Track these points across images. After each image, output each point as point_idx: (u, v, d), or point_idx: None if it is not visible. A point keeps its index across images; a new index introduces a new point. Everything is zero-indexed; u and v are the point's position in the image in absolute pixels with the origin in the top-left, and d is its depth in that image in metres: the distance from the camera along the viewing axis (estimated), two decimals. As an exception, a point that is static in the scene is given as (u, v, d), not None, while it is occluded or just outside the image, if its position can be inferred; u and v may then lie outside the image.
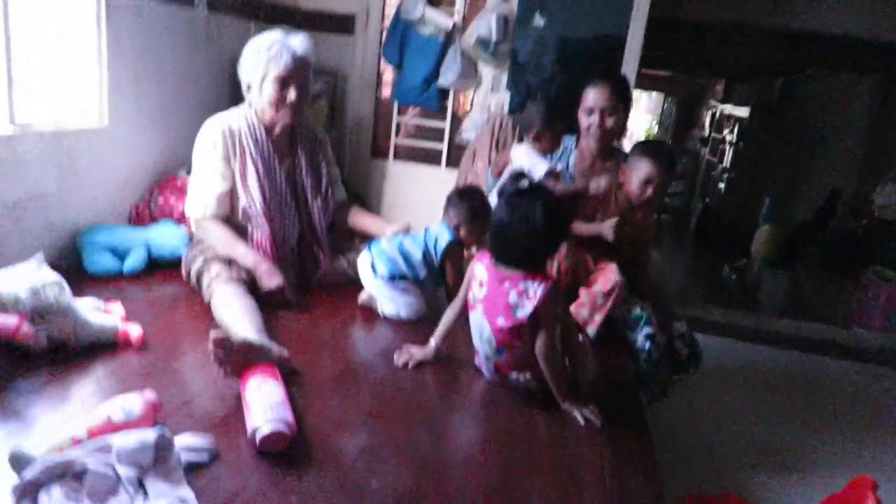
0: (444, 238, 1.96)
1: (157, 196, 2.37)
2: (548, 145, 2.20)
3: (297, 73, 1.97)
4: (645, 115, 13.21)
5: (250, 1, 3.04)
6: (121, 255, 2.07)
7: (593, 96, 2.23)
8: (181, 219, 2.30)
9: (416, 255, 1.96)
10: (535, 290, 1.48)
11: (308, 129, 2.19)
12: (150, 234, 2.16)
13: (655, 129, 12.68)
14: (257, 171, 1.99)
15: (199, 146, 2.01)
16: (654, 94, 12.31)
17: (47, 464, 1.02)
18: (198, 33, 2.69)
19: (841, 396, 3.18)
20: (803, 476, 2.32)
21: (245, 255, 1.93)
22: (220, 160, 1.98)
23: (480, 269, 1.58)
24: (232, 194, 2.01)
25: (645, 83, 10.45)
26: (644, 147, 2.19)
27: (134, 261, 2.05)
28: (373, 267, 1.97)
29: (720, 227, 7.91)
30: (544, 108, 2.17)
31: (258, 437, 1.20)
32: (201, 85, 2.78)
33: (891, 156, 5.44)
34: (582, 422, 1.50)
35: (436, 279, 2.00)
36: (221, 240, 1.96)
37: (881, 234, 4.97)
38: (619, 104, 2.26)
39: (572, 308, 2.02)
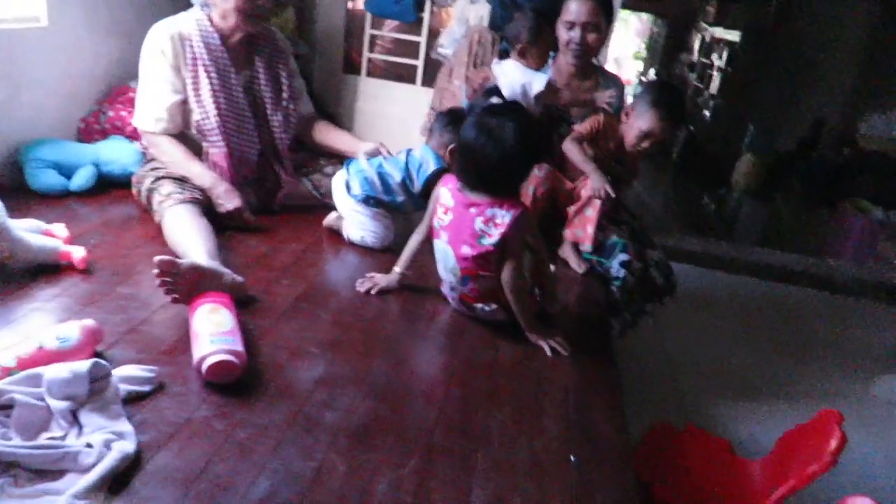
0: (429, 164, 1.81)
1: (107, 109, 2.21)
2: (535, 61, 2.04)
3: None
4: (634, 38, 12.79)
5: None
6: (67, 172, 1.93)
7: (575, 9, 2.08)
8: (134, 134, 2.15)
9: (396, 178, 1.83)
10: (504, 217, 1.40)
11: (268, 38, 2.01)
12: (99, 150, 2.02)
13: (644, 52, 12.32)
14: (211, 82, 1.84)
15: (145, 53, 1.84)
16: (645, 15, 11.87)
17: (-32, 396, 0.95)
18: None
19: (811, 327, 3.21)
20: (770, 406, 2.34)
21: (201, 174, 1.81)
22: (170, 69, 1.82)
23: (446, 194, 1.48)
24: (185, 107, 1.86)
25: (635, 2, 10.05)
26: (656, 95, 1.91)
27: (81, 179, 1.92)
28: (347, 186, 1.86)
29: (703, 155, 7.82)
30: (532, 19, 2.00)
31: (204, 366, 1.14)
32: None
33: (880, 84, 5.34)
34: (549, 352, 1.46)
35: (416, 204, 1.87)
36: (175, 157, 1.83)
37: (862, 164, 4.94)
38: (602, 20, 2.11)
39: (567, 232, 1.96)
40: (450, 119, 1.81)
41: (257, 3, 1.81)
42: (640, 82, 10.66)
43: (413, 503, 0.98)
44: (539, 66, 2.04)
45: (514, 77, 1.97)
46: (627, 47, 12.65)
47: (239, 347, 1.18)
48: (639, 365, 2.43)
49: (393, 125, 3.41)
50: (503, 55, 2.25)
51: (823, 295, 3.69)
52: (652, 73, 10.82)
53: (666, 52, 11.38)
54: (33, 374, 1.03)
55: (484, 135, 1.39)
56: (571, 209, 1.93)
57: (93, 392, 1.03)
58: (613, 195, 1.83)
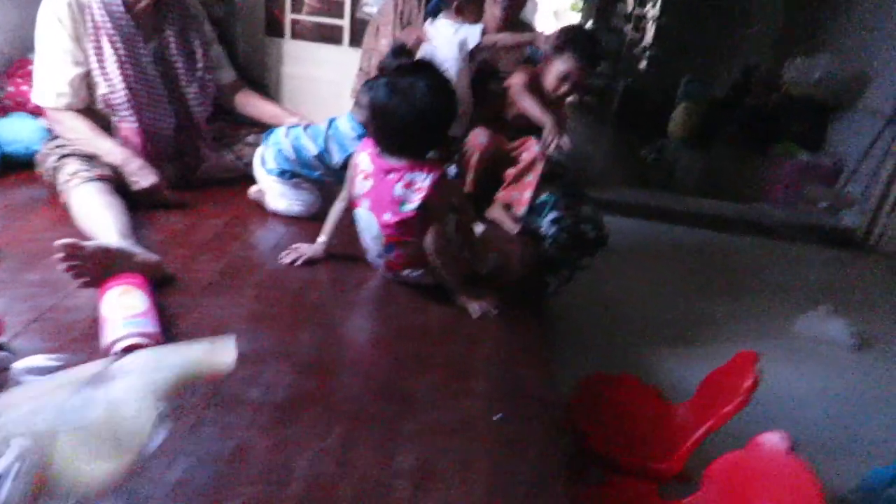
0: (350, 136, 1.74)
1: (5, 84, 2.07)
2: (472, 16, 2.00)
3: None
4: (571, -11, 12.73)
5: None
6: (-35, 153, 1.81)
7: None
8: (37, 110, 2.02)
9: (312, 151, 1.76)
10: (423, 181, 1.38)
11: (178, 2, 1.89)
12: (1, 130, 1.89)
13: (581, 4, 12.28)
14: (117, 53, 1.73)
15: (41, 23, 1.71)
16: (580, -34, 11.80)
17: None
18: None
19: (742, 271, 3.33)
20: (698, 350, 2.43)
21: (111, 151, 1.72)
22: (69, 39, 1.69)
23: (365, 160, 1.45)
24: (88, 80, 1.75)
25: (570, -46, 9.97)
26: (568, 38, 1.95)
27: (-19, 161, 1.81)
28: (263, 159, 1.80)
29: (641, 107, 7.92)
30: None
31: (113, 351, 1.10)
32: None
33: (806, 28, 5.47)
34: (476, 314, 1.47)
35: (336, 176, 1.79)
36: (81, 133, 1.73)
37: (789, 109, 5.08)
38: None
39: (501, 194, 1.96)
40: (369, 87, 1.75)
41: None
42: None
43: (336, 473, 0.98)
44: (476, 20, 2.01)
45: (448, 34, 1.94)
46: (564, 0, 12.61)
47: (151, 329, 1.15)
48: (577, 317, 2.48)
49: (322, 89, 3.32)
50: (434, 13, 2.20)
51: (756, 240, 3.83)
52: (589, 25, 10.81)
53: (602, 3, 11.38)
54: (-76, 373, 0.97)
55: (397, 95, 1.36)
56: (510, 171, 1.93)
57: (-8, 387, 0.98)
58: (567, 147, 1.85)
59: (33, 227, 1.62)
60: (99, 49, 1.72)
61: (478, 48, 1.99)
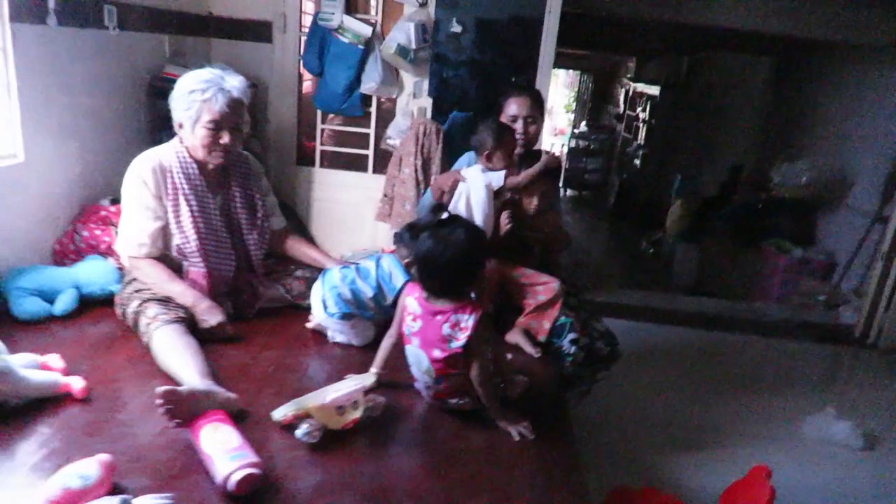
0: (398, 279, 1.99)
1: (80, 229, 2.33)
2: (501, 162, 2.25)
3: (231, 116, 1.97)
4: (563, 89, 13.52)
5: (161, 14, 2.97)
6: (49, 297, 2.03)
7: (516, 106, 2.39)
8: (108, 251, 2.28)
9: (368, 293, 1.99)
10: (467, 321, 1.60)
11: (242, 162, 2.18)
12: (78, 272, 2.13)
13: (573, 104, 13.01)
14: (191, 209, 1.99)
15: (128, 183, 1.98)
16: (571, 71, 12.60)
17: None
18: (109, 53, 2.61)
19: (744, 370, 3.49)
20: (712, 455, 2.57)
21: (182, 293, 1.94)
22: (152, 198, 1.96)
23: (412, 303, 1.68)
24: (165, 231, 2.00)
25: (561, 60, 10.70)
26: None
27: (64, 303, 2.02)
28: (324, 303, 2.01)
29: (636, 202, 8.31)
30: (495, 126, 2.25)
31: (230, 483, 1.28)
32: (117, 106, 2.72)
33: (785, 134, 5.88)
34: (517, 437, 1.64)
35: (385, 313, 1.99)
36: (156, 279, 1.96)
37: (778, 207, 5.39)
38: (538, 112, 2.43)
39: (522, 320, 2.17)
40: (411, 234, 1.97)
41: (220, 142, 1.98)
42: (573, 133, 11.26)
43: None
44: (505, 165, 2.26)
45: (478, 178, 2.20)
46: (558, 99, 13.36)
47: (254, 458, 1.33)
48: (592, 428, 2.63)
49: (346, 211, 3.62)
50: (448, 144, 2.49)
51: (755, 339, 4.00)
52: (583, 125, 11.45)
53: (594, 103, 12.09)
54: (65, 517, 1.14)
55: (441, 243, 1.61)
56: (531, 301, 2.15)
57: (121, 527, 1.15)
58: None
59: (114, 364, 1.82)
60: (176, 206, 1.98)
61: (502, 189, 2.26)
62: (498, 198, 2.23)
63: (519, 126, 2.38)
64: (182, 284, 1.97)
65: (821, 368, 3.64)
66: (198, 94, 1.93)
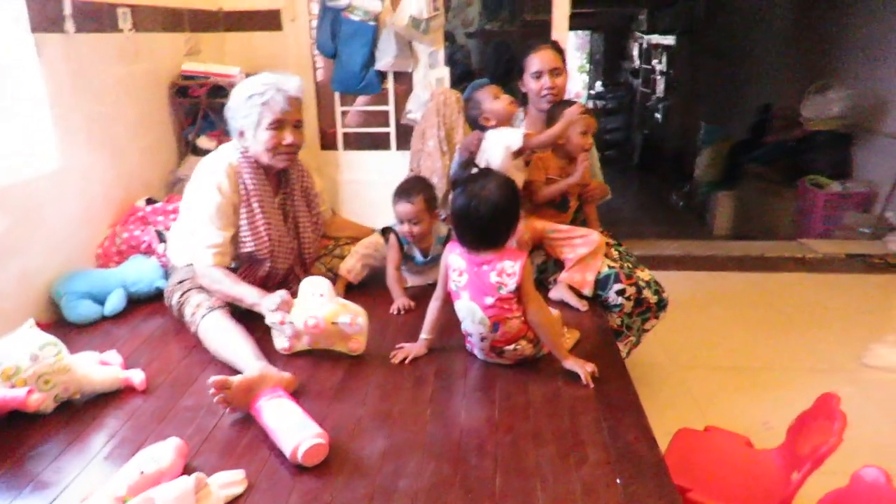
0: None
1: (120, 231, 2.36)
2: (508, 101, 2.21)
3: (292, 114, 1.92)
4: (575, 52, 13.28)
5: (173, 13, 2.98)
6: (99, 298, 2.07)
7: (539, 60, 2.34)
8: (149, 249, 2.31)
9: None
10: (513, 267, 1.59)
11: (296, 162, 2.13)
12: (125, 272, 2.17)
13: (587, 66, 12.78)
14: (264, 213, 1.97)
15: (201, 187, 1.93)
16: (581, 32, 12.35)
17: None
18: (128, 55, 2.63)
19: (796, 309, 3.41)
20: (774, 392, 2.52)
21: (249, 293, 1.86)
22: (228, 205, 1.92)
23: (455, 259, 1.67)
24: (236, 238, 1.97)
25: (572, 22, 10.49)
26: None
27: (114, 303, 2.07)
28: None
29: (662, 156, 8.15)
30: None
31: (300, 454, 1.29)
32: (142, 107, 2.75)
33: (812, 65, 5.68)
34: (584, 379, 1.62)
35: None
36: (224, 286, 1.89)
37: (812, 144, 5.23)
38: (562, 63, 2.37)
39: (564, 275, 2.15)
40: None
41: (283, 143, 1.93)
42: (589, 95, 11.06)
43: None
44: (511, 101, 2.21)
45: (497, 139, 2.17)
46: (571, 62, 13.13)
47: (319, 429, 1.35)
48: (649, 375, 2.60)
49: (375, 191, 3.60)
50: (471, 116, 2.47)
51: (803, 275, 3.90)
52: (599, 85, 11.25)
53: (608, 61, 11.85)
54: (146, 498, 1.16)
55: (475, 198, 1.60)
56: (571, 255, 2.12)
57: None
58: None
59: (171, 356, 1.85)
60: (251, 212, 1.95)
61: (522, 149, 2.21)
62: (520, 156, 2.19)
63: (546, 81, 2.33)
64: (246, 286, 1.89)
65: (875, 298, 3.54)
66: (256, 98, 1.88)
